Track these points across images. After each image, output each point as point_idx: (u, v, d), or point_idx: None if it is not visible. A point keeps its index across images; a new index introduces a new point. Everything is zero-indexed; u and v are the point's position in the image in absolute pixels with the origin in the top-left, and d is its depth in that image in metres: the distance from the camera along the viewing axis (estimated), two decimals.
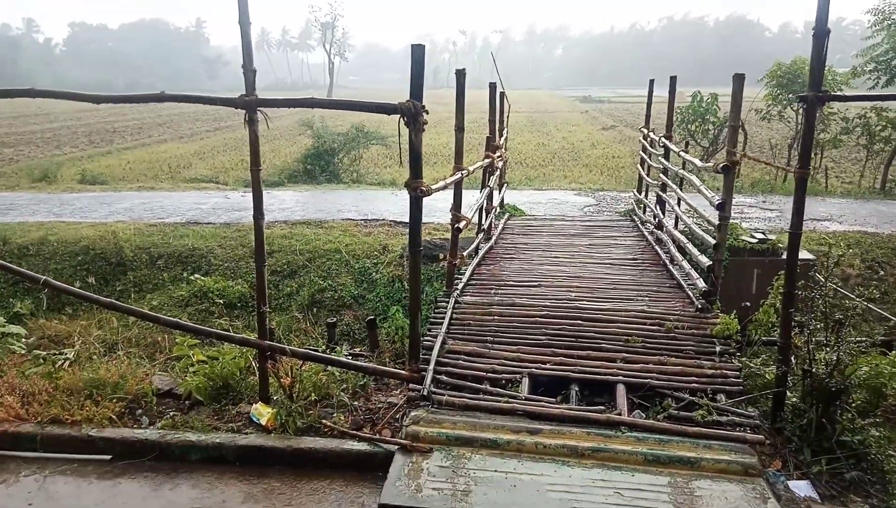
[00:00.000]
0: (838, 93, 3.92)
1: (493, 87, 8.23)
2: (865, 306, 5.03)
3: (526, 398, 4.46)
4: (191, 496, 3.91)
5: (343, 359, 5.11)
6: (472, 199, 7.74)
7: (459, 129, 5.70)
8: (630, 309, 5.77)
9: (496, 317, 5.67)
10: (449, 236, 9.47)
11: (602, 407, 4.37)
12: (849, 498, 3.79)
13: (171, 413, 4.69)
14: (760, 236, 9.92)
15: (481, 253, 7.71)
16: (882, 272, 10.24)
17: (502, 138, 10.01)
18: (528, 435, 4.08)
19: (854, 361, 4.32)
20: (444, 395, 4.48)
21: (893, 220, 12.29)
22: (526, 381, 4.71)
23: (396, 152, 22.31)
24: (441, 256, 8.94)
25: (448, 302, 5.91)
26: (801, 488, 3.88)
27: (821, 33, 3.79)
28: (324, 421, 4.45)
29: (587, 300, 6.04)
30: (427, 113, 4.07)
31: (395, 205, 12.85)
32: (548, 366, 4.89)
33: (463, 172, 5.70)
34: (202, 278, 8.92)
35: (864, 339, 4.82)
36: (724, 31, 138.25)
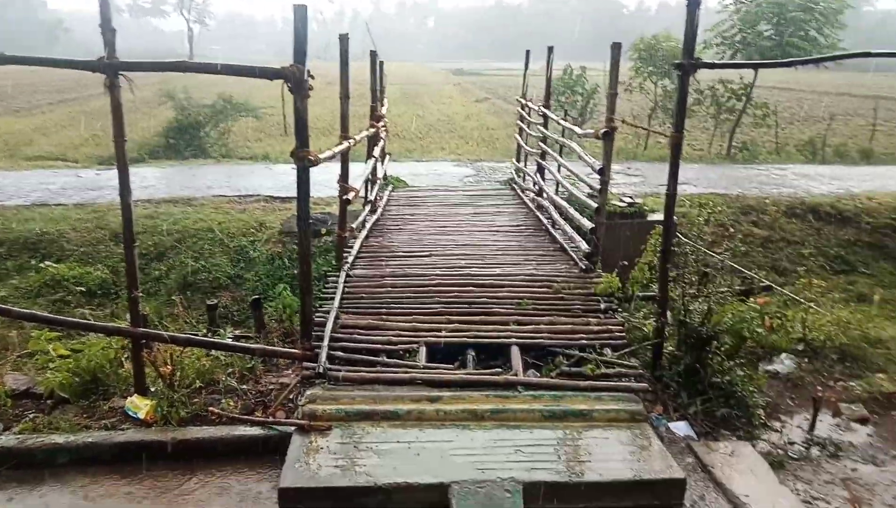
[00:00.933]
0: (707, 61, 4.18)
1: (373, 54, 8.01)
2: (725, 262, 5.48)
3: (424, 367, 4.44)
4: (63, 503, 3.52)
5: (229, 342, 4.82)
6: (357, 171, 7.53)
7: (345, 96, 5.48)
8: (519, 274, 5.91)
9: (389, 289, 5.59)
10: (330, 209, 9.24)
11: (499, 370, 4.45)
12: (720, 433, 4.14)
13: (31, 415, 4.18)
14: (629, 200, 10.56)
15: (369, 225, 7.56)
16: (732, 230, 11.30)
17: (383, 109, 9.82)
18: (429, 403, 4.06)
19: (720, 310, 4.71)
20: (340, 371, 4.35)
21: (738, 182, 13.56)
22: (423, 350, 4.69)
23: (269, 125, 21.30)
24: (323, 230, 8.69)
25: (339, 276, 5.74)
26: (681, 428, 4.20)
27: (693, 4, 4.00)
28: (211, 409, 4.17)
29: (478, 267, 6.11)
30: (313, 78, 3.85)
31: (271, 179, 12.28)
32: (444, 334, 4.89)
33: (350, 141, 5.50)
34: (54, 265, 8.02)
35: (726, 290, 5.26)
36: (585, 8, 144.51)
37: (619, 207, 10.00)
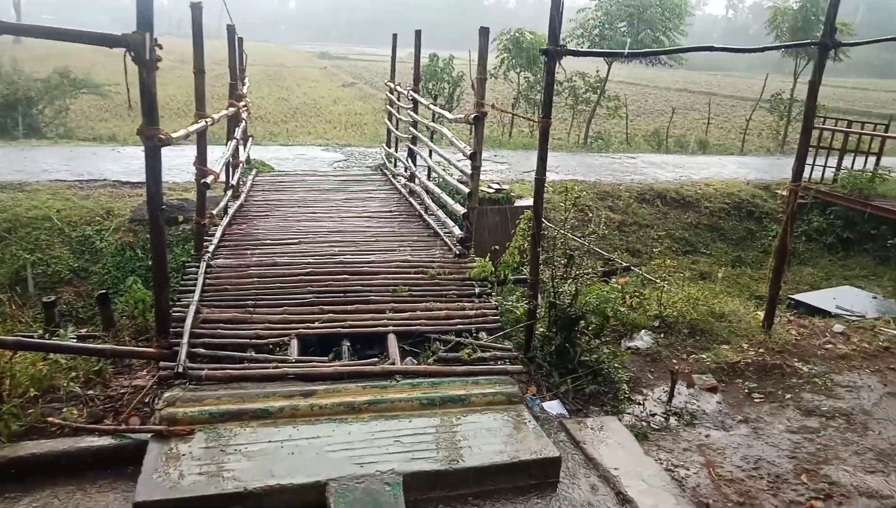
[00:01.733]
0: (571, 48, 4.30)
1: (231, 29, 7.47)
2: (588, 245, 5.73)
3: (296, 361, 4.21)
4: None
5: (69, 343, 4.27)
6: (216, 154, 7.01)
7: (199, 71, 5.04)
8: (394, 260, 5.80)
9: (256, 279, 5.25)
10: (188, 195, 8.57)
11: (375, 359, 4.32)
12: (590, 409, 4.32)
13: None
14: (497, 186, 10.81)
15: (231, 212, 7.08)
16: (591, 215, 11.96)
17: (245, 88, 9.24)
18: (302, 398, 3.85)
19: (586, 291, 4.90)
20: (203, 369, 4.00)
21: (595, 169, 14.41)
22: (295, 343, 4.45)
23: (115, 104, 19.42)
24: (181, 218, 8.04)
25: (199, 267, 5.30)
26: (554, 407, 4.32)
27: None
28: (50, 419, 3.66)
29: (351, 254, 5.93)
30: (161, 48, 3.46)
31: (118, 163, 11.20)
32: (317, 325, 4.68)
33: (207, 120, 5.07)
34: None
35: (591, 272, 5.51)
36: (446, 1, 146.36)
37: (489, 193, 10.21)
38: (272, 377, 4.00)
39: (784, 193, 5.18)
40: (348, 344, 4.51)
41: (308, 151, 14.69)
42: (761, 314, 5.63)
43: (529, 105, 19.02)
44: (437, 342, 4.61)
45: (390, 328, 4.67)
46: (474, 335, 4.72)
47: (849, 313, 6.08)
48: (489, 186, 10.62)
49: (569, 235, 6.17)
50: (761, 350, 5.09)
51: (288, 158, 13.22)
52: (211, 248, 5.77)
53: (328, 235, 6.54)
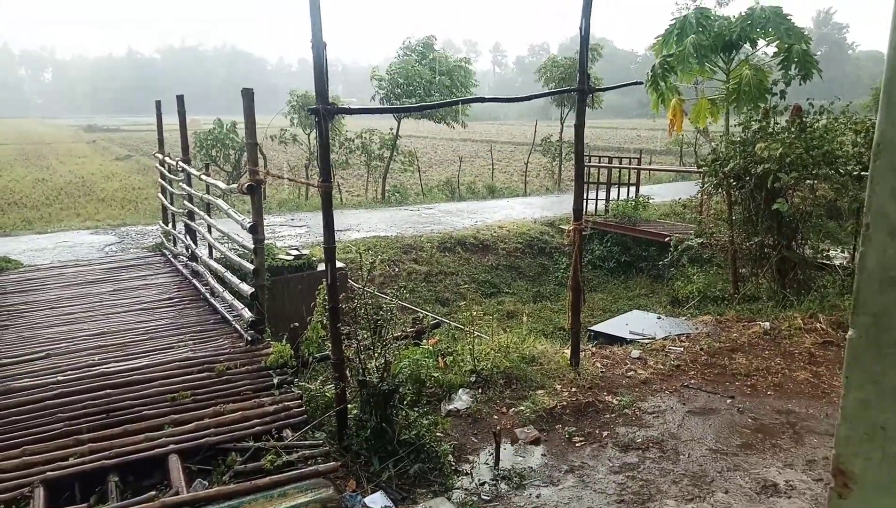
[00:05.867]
0: (342, 106, 4.05)
1: None
2: (397, 304, 5.42)
3: None
4: None
5: None
6: None
7: None
8: (172, 360, 4.94)
9: None
10: None
11: (153, 493, 3.50)
12: (416, 493, 3.91)
13: None
14: (296, 252, 10.19)
15: None
16: (397, 269, 11.83)
17: None
18: None
19: (397, 359, 4.55)
20: None
21: (396, 223, 14.44)
22: (41, 492, 3.46)
23: None
24: None
25: None
26: (377, 500, 3.83)
27: (318, 48, 3.76)
28: None
29: (116, 362, 4.94)
30: None
31: None
32: (71, 461, 3.71)
33: None
34: None
35: (400, 334, 5.17)
36: (225, 61, 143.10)
37: (287, 260, 9.55)
38: None
39: (568, 228, 5.36)
40: (116, 479, 3.62)
41: (73, 236, 12.81)
42: (567, 352, 5.72)
43: None
44: (233, 453, 3.90)
45: (171, 447, 3.86)
46: (277, 434, 4.09)
47: (641, 337, 6.45)
48: (287, 253, 9.96)
49: (376, 293, 5.82)
50: (574, 390, 5.11)
51: (46, 249, 11.35)
52: None
53: (86, 340, 5.43)
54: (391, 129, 19.67)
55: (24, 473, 3.60)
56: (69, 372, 4.73)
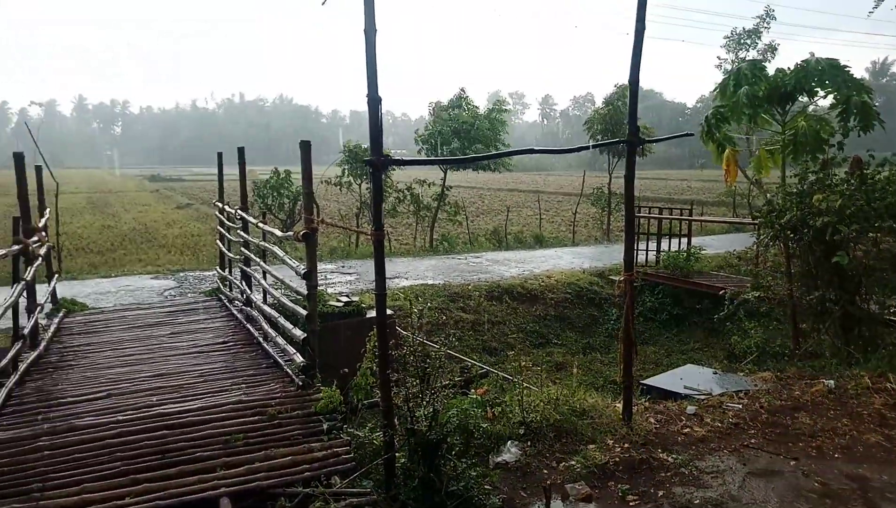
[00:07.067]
0: (396, 158, 4.23)
1: (18, 157, 6.57)
2: (445, 352, 5.41)
3: None
4: None
5: None
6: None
7: None
8: (226, 402, 5.04)
9: (46, 452, 4.24)
10: None
11: None
12: None
13: None
14: (345, 299, 10.34)
15: (23, 366, 5.91)
16: (445, 317, 11.83)
17: (43, 220, 8.14)
18: None
19: (445, 408, 4.52)
20: None
21: (443, 271, 14.53)
22: None
23: None
24: None
25: None
26: None
27: (374, 102, 3.92)
28: None
29: (173, 403, 5.07)
30: None
31: None
32: (127, 501, 3.79)
33: None
34: None
35: (448, 383, 5.15)
36: (283, 113, 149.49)
37: (337, 307, 9.69)
38: None
39: (618, 279, 5.29)
40: None
41: (135, 281, 13.36)
42: (619, 406, 5.57)
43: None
44: (282, 498, 3.92)
45: (223, 489, 3.90)
46: (326, 481, 4.09)
47: (696, 393, 6.24)
48: (337, 300, 10.12)
49: (425, 342, 5.84)
50: (626, 445, 4.95)
51: (110, 292, 11.87)
52: None
53: (145, 381, 5.61)
54: (440, 179, 20.04)
55: None
56: (129, 412, 4.87)
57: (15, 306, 6.02)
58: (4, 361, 5.62)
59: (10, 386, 5.38)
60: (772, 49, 24.70)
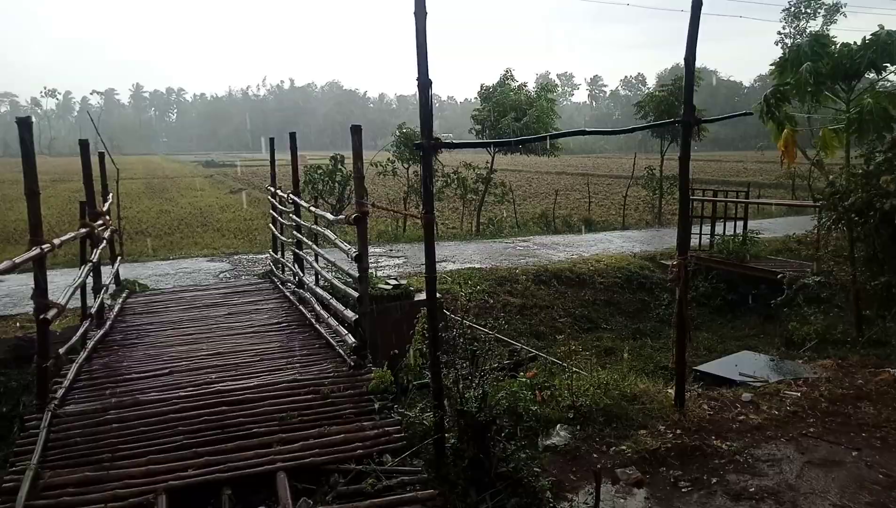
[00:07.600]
0: (447, 141, 4.22)
1: (84, 144, 6.86)
2: (492, 333, 5.43)
3: None
4: None
5: None
6: (69, 280, 6.21)
7: (32, 193, 4.40)
8: (281, 381, 5.19)
9: (115, 425, 4.47)
10: (53, 327, 7.54)
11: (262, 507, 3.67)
12: None
13: None
14: (394, 282, 10.45)
15: (91, 344, 6.21)
16: (492, 301, 11.82)
17: (106, 205, 8.49)
18: None
19: (494, 390, 4.54)
20: None
21: (491, 255, 14.50)
22: (163, 500, 3.71)
23: None
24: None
25: (41, 419, 4.45)
26: None
27: (424, 86, 3.93)
28: None
29: (231, 380, 5.25)
30: None
31: None
32: (190, 472, 3.96)
33: (44, 247, 4.40)
34: None
35: (497, 366, 5.16)
36: (331, 98, 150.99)
37: (386, 289, 9.81)
38: None
39: (671, 263, 5.18)
40: (230, 493, 3.82)
41: (192, 263, 13.81)
42: (671, 391, 5.48)
43: (420, 198, 19.29)
44: (336, 475, 4.02)
45: (279, 464, 4.03)
46: (377, 459, 4.18)
47: (752, 380, 6.08)
48: (386, 283, 10.25)
49: (474, 325, 5.86)
50: (678, 431, 4.88)
51: (169, 274, 12.32)
52: (60, 392, 4.92)
53: (204, 359, 5.82)
54: (486, 162, 19.93)
55: (150, 480, 3.87)
56: (189, 388, 5.08)
57: (83, 287, 6.33)
58: (74, 338, 5.92)
59: (80, 362, 5.67)
60: (835, 10, 23.37)
